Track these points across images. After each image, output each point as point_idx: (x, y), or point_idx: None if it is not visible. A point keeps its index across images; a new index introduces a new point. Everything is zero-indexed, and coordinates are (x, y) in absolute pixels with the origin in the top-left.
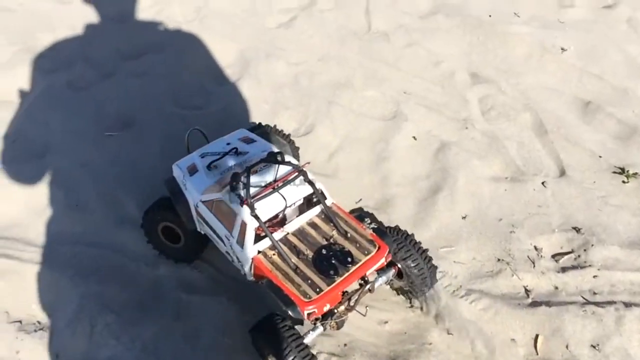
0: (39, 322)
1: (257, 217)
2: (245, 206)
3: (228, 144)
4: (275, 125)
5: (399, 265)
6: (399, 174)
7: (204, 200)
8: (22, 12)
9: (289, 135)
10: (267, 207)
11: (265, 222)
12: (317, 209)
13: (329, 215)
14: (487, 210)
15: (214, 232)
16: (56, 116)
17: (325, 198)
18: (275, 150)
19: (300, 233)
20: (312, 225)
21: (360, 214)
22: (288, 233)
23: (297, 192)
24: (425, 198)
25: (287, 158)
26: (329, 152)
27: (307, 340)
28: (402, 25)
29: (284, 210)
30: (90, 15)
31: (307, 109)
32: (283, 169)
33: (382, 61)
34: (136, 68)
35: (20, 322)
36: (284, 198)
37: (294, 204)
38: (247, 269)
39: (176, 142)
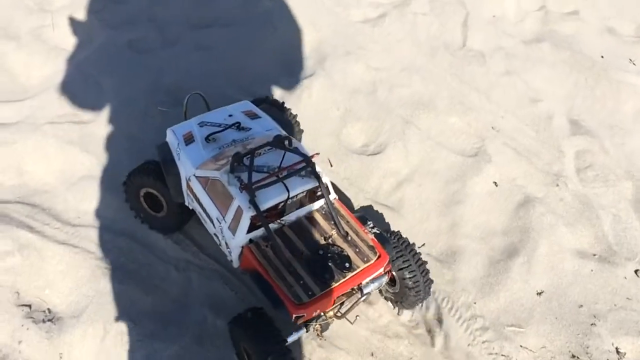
0: (49, 311)
1: (255, 206)
2: (244, 191)
3: (230, 115)
4: (283, 103)
5: (394, 274)
6: (472, 223)
7: (198, 176)
8: None
9: (295, 115)
10: (268, 196)
11: (263, 212)
12: (318, 203)
13: (330, 212)
14: (567, 290)
15: (204, 211)
16: (111, 80)
17: (329, 193)
18: (282, 132)
19: (297, 227)
20: (311, 220)
21: (363, 215)
22: (285, 225)
23: (302, 183)
24: (497, 260)
25: (295, 144)
26: (397, 180)
27: (289, 340)
28: (501, 47)
29: (285, 201)
30: None
31: (380, 125)
32: (289, 156)
33: (472, 86)
34: (202, 40)
35: (29, 306)
36: (287, 188)
37: (297, 196)
38: (234, 256)
39: None
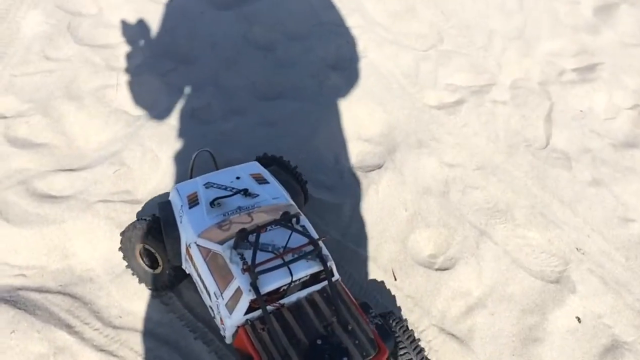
0: None
1: (256, 290)
2: (247, 273)
3: (238, 177)
4: (289, 161)
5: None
6: None
7: (199, 245)
8: None
9: (300, 175)
10: (270, 280)
11: (263, 296)
12: (321, 284)
13: (332, 297)
14: None
15: (202, 281)
16: (169, 154)
17: (333, 276)
18: (289, 202)
19: (296, 310)
20: (312, 303)
21: (365, 303)
22: (284, 306)
23: (306, 267)
24: None
25: (303, 221)
26: (467, 304)
27: None
28: (589, 149)
29: (287, 285)
30: None
31: (451, 235)
32: (295, 234)
33: (556, 195)
34: (268, 113)
35: None
36: (291, 271)
37: (300, 279)
38: (228, 334)
39: None
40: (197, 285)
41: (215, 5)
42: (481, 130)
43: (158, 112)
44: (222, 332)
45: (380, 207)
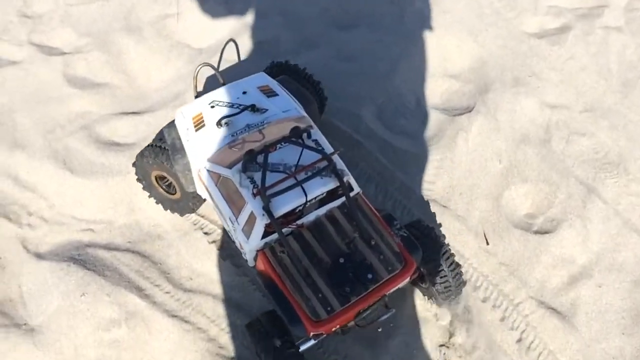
0: None
1: (270, 213)
2: (258, 197)
3: (244, 92)
4: (298, 66)
5: (423, 272)
6: None
7: (209, 170)
8: None
9: (318, 83)
10: (284, 201)
11: (278, 219)
12: (340, 200)
13: (353, 212)
14: None
15: (217, 207)
16: None
17: (352, 190)
18: (302, 113)
19: (316, 228)
20: (332, 220)
21: (389, 214)
22: (302, 226)
23: (321, 184)
24: None
25: (314, 135)
26: (570, 273)
27: (302, 348)
28: None
29: (302, 206)
30: None
31: (553, 192)
32: (307, 152)
33: None
34: (345, 45)
35: None
36: (304, 191)
37: (315, 198)
38: (249, 257)
39: None
40: (214, 209)
41: None
42: (590, 64)
43: (219, 46)
44: (243, 256)
45: (470, 158)
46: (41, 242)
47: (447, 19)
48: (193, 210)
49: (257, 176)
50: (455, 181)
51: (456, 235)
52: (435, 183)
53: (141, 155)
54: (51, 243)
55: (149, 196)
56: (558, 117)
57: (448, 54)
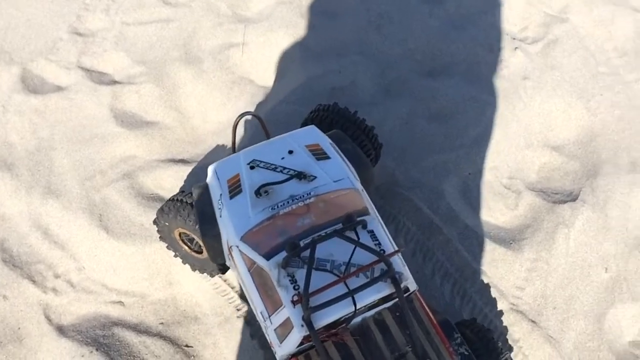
0: None
1: (310, 326)
2: (298, 305)
3: (290, 151)
4: (356, 115)
5: None
6: None
7: (242, 251)
8: None
9: (375, 137)
10: (328, 312)
11: (319, 330)
12: (392, 301)
13: (406, 320)
14: None
15: (248, 293)
16: None
17: (410, 296)
18: (356, 186)
19: (362, 336)
20: (382, 325)
21: (447, 320)
22: (346, 330)
23: (374, 291)
24: None
25: (371, 224)
26: None
27: None
28: None
29: (349, 316)
30: None
31: None
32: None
33: None
34: (432, 97)
35: None
36: (354, 300)
37: (365, 306)
38: (279, 356)
39: None
40: (244, 290)
41: None
42: None
43: (288, 87)
44: (272, 349)
45: (570, 261)
46: (65, 312)
47: (555, 76)
48: (224, 272)
49: (300, 274)
50: (549, 290)
51: None
52: (525, 289)
53: (161, 210)
54: (76, 314)
55: (174, 256)
56: None
57: (552, 120)
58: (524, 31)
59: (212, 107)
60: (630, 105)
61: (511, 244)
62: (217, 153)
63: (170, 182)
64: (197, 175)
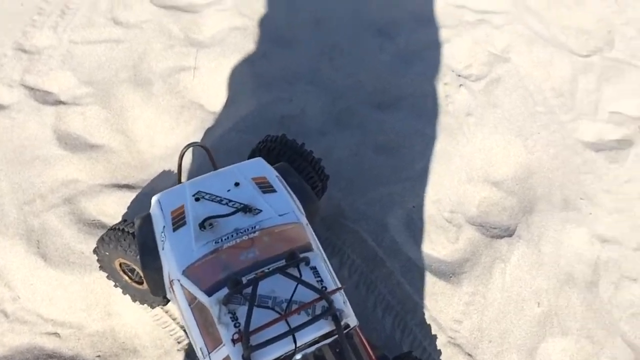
0: None
1: None
2: (238, 344)
3: (237, 184)
4: (304, 146)
5: None
6: None
7: (183, 285)
8: None
9: (321, 170)
10: (268, 351)
11: None
12: (332, 338)
13: (346, 356)
14: None
15: (188, 328)
16: None
17: (350, 332)
18: (301, 220)
19: None
20: None
21: (384, 357)
22: None
23: (314, 329)
24: None
25: (314, 261)
26: None
27: None
28: None
29: (290, 354)
30: None
31: (596, 353)
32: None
33: None
34: (383, 131)
35: None
36: (294, 338)
37: (305, 343)
38: None
39: None
40: (184, 325)
41: None
42: None
43: (238, 119)
44: None
45: (505, 296)
46: None
47: (496, 114)
48: (166, 303)
49: (241, 311)
50: (485, 323)
51: None
52: (463, 323)
53: (102, 240)
54: (9, 346)
55: (115, 286)
56: (608, 255)
57: (492, 157)
58: (469, 68)
59: (160, 131)
60: (564, 145)
61: (451, 277)
62: (164, 178)
63: (114, 208)
64: (142, 201)
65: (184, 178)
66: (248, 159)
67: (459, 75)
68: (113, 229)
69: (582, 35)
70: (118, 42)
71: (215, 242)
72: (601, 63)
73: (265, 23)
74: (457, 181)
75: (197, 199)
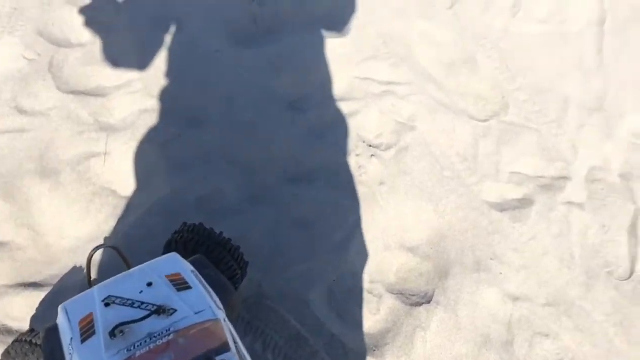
0: None
1: None
2: None
3: (149, 284)
4: (222, 234)
5: None
6: None
7: None
8: None
9: (241, 256)
10: None
11: None
12: None
13: None
14: None
15: None
16: None
17: None
18: (217, 315)
19: None
20: None
21: None
22: None
23: None
24: None
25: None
26: None
27: None
28: None
29: None
30: None
31: None
32: None
33: None
34: (298, 204)
35: None
36: None
37: None
38: None
39: None
40: None
41: (235, 40)
42: (552, 248)
43: (153, 203)
44: None
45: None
46: None
47: (407, 181)
48: None
49: None
50: None
51: None
52: None
53: (7, 354)
54: None
55: None
56: (520, 313)
57: (407, 223)
58: (379, 138)
59: (69, 222)
60: (471, 207)
61: (374, 350)
62: (75, 274)
63: (21, 310)
64: (51, 302)
65: (95, 275)
66: (163, 251)
67: (370, 146)
68: (19, 340)
69: (479, 102)
70: (22, 131)
71: (127, 350)
72: (498, 127)
73: (176, 103)
74: (375, 250)
75: (107, 305)
